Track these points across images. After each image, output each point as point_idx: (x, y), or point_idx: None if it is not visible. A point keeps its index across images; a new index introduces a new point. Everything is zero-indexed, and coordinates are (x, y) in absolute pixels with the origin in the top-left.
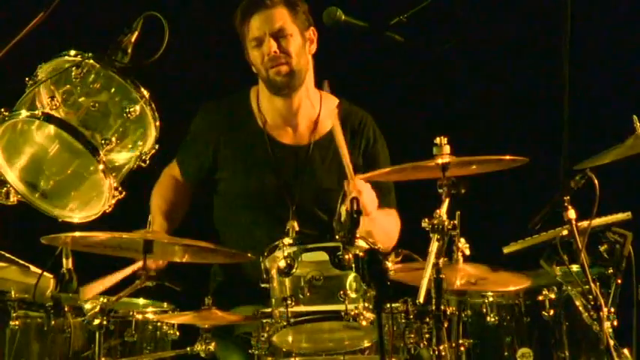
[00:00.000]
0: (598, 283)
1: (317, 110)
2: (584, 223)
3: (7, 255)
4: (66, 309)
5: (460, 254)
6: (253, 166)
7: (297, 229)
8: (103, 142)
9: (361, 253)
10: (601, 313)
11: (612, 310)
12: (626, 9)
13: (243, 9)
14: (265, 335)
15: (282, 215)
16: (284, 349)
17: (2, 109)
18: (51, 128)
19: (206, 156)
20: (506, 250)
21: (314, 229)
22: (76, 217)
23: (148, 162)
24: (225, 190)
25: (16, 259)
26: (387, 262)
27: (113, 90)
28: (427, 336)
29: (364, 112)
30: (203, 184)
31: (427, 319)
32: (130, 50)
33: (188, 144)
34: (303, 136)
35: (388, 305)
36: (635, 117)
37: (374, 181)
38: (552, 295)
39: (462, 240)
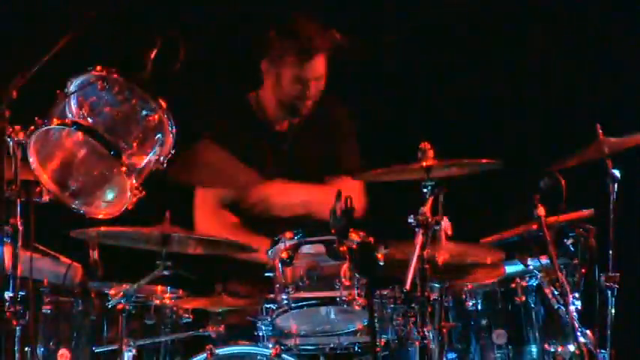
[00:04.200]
0: (564, 272)
1: None
2: (553, 219)
3: (41, 247)
4: (92, 295)
5: (443, 233)
6: (257, 157)
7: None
8: (125, 147)
9: (354, 246)
10: (567, 299)
11: (577, 295)
12: (596, 18)
13: (292, 45)
14: (269, 318)
15: None
16: (286, 331)
17: (36, 118)
18: (79, 135)
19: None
20: (483, 242)
21: None
22: (102, 214)
23: (165, 165)
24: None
25: (49, 251)
26: (377, 254)
27: (134, 101)
28: (413, 319)
29: (339, 103)
30: None
31: (413, 304)
32: (149, 66)
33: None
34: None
35: (378, 292)
36: (598, 125)
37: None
38: (524, 283)
39: (445, 219)
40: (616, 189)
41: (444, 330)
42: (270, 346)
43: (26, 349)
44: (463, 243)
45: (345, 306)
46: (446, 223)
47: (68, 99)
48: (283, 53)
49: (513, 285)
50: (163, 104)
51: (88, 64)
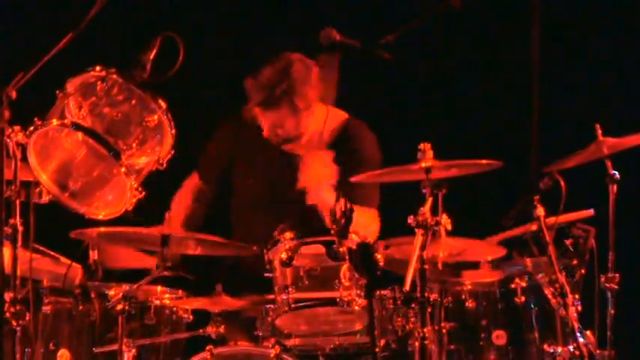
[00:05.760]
0: (564, 273)
1: (321, 125)
2: (552, 220)
3: (40, 247)
4: (92, 295)
5: (443, 229)
6: (263, 172)
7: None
8: (124, 147)
9: (354, 247)
10: (567, 300)
11: (577, 296)
12: (594, 20)
13: (252, 95)
14: (269, 319)
15: (285, 215)
16: (285, 331)
17: (36, 119)
18: (79, 135)
19: (223, 165)
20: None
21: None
22: (101, 214)
23: (164, 165)
24: (238, 192)
25: (48, 251)
26: (376, 254)
27: (134, 101)
28: (412, 319)
29: (367, 129)
30: (222, 187)
31: (413, 305)
32: (148, 66)
33: (207, 156)
34: (307, 146)
35: (378, 292)
36: (597, 125)
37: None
38: (523, 284)
39: (445, 216)
40: (615, 189)
41: (444, 330)
42: (270, 346)
43: (26, 349)
44: (463, 238)
45: (344, 306)
46: (445, 219)
47: (68, 99)
48: (251, 97)
49: (513, 285)
50: (163, 105)
51: (87, 64)
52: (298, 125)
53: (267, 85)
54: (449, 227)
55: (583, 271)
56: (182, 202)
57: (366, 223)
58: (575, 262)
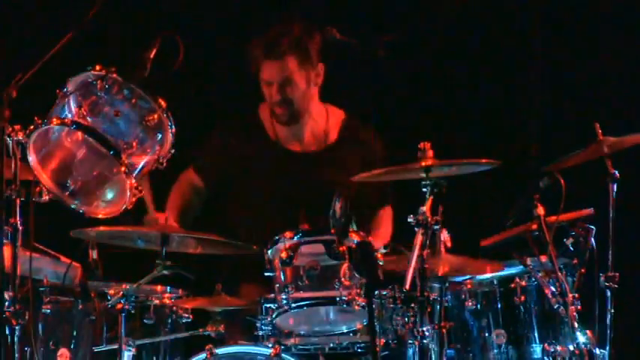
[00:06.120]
0: (564, 272)
1: (323, 122)
2: (552, 219)
3: (40, 247)
4: (92, 294)
5: (442, 245)
6: (266, 174)
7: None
8: (125, 146)
9: (353, 246)
10: (566, 299)
11: (576, 296)
12: (595, 19)
13: (258, 50)
14: (269, 318)
15: (292, 216)
16: (285, 331)
17: (36, 118)
18: (79, 134)
19: (224, 167)
20: (483, 243)
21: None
22: (101, 213)
23: (165, 164)
24: (240, 194)
25: (48, 250)
26: (377, 254)
27: (134, 100)
28: (412, 319)
29: (367, 126)
30: (220, 188)
31: (412, 304)
32: (148, 65)
33: (207, 156)
34: (311, 145)
35: (378, 291)
36: (597, 124)
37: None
38: (523, 283)
39: (445, 232)
40: (615, 189)
41: (444, 330)
42: (270, 345)
43: (26, 348)
44: (462, 256)
45: (344, 306)
46: (445, 236)
47: (68, 98)
48: (256, 56)
49: (513, 285)
50: (163, 104)
51: (87, 64)
52: (308, 85)
53: (273, 37)
54: (448, 244)
55: (583, 270)
56: (177, 195)
57: (385, 233)
58: (575, 261)
